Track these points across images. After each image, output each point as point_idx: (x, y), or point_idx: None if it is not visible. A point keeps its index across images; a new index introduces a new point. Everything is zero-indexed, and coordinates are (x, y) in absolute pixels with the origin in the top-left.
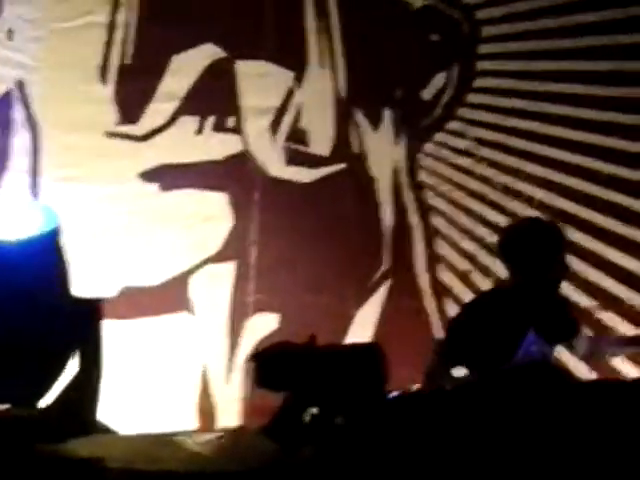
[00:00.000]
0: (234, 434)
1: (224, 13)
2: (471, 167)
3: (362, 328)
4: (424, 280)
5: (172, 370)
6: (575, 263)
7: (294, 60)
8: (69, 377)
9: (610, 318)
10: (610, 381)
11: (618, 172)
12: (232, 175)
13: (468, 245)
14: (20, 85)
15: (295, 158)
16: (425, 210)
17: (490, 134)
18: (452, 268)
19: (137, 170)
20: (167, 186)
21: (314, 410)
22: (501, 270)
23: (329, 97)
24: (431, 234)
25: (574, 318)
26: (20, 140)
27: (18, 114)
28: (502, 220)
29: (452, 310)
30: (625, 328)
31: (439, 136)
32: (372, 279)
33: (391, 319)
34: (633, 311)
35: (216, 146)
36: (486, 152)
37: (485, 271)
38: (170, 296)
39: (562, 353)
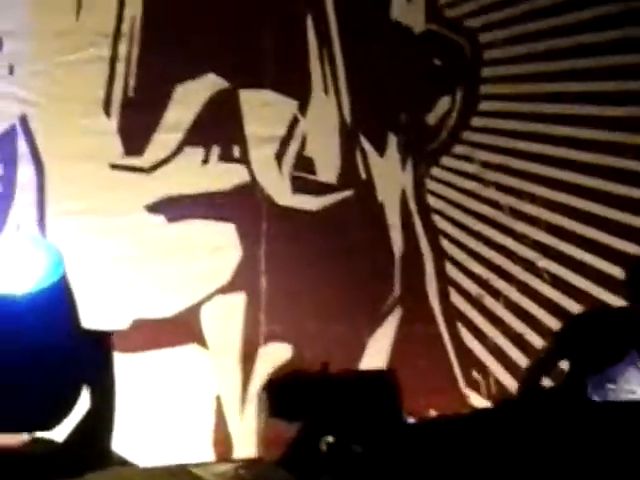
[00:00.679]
0: (251, 465)
1: (225, 43)
2: (478, 190)
3: (375, 356)
4: (436, 305)
5: (186, 402)
6: (582, 282)
7: (297, 88)
8: (83, 409)
9: None
10: None
11: (625, 192)
12: (239, 205)
13: (478, 268)
14: (23, 119)
15: (302, 186)
16: (434, 234)
17: (496, 157)
18: (463, 292)
19: (143, 202)
20: (174, 217)
21: (330, 439)
22: (512, 294)
23: (334, 124)
24: (441, 258)
25: None
26: (25, 174)
27: (22, 148)
28: (510, 242)
29: (465, 335)
30: None
31: (445, 160)
32: (383, 306)
33: (404, 346)
34: None
35: (222, 176)
36: (492, 175)
37: (496, 294)
38: (181, 328)
39: None
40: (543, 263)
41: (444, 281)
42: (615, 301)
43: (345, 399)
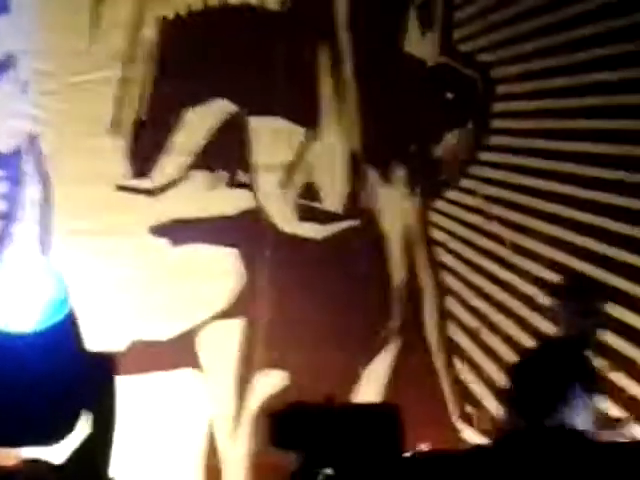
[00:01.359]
0: None
1: (237, 69)
2: (482, 224)
3: (371, 385)
4: (434, 337)
5: (178, 426)
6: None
7: (306, 116)
8: (83, 432)
9: (620, 378)
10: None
11: (629, 232)
12: (243, 231)
13: (478, 302)
14: (32, 138)
15: (307, 214)
16: (436, 267)
17: (501, 192)
18: (461, 325)
19: (148, 224)
20: (178, 241)
21: (328, 471)
22: (510, 328)
23: (341, 153)
24: (441, 291)
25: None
26: (31, 192)
27: (29, 166)
28: (511, 277)
29: (461, 368)
30: (636, 389)
31: (450, 193)
32: (382, 336)
33: (400, 376)
34: None
35: (228, 201)
36: (497, 210)
37: (495, 328)
38: (178, 351)
39: None
40: (543, 299)
41: (443, 314)
42: (615, 340)
43: (346, 432)
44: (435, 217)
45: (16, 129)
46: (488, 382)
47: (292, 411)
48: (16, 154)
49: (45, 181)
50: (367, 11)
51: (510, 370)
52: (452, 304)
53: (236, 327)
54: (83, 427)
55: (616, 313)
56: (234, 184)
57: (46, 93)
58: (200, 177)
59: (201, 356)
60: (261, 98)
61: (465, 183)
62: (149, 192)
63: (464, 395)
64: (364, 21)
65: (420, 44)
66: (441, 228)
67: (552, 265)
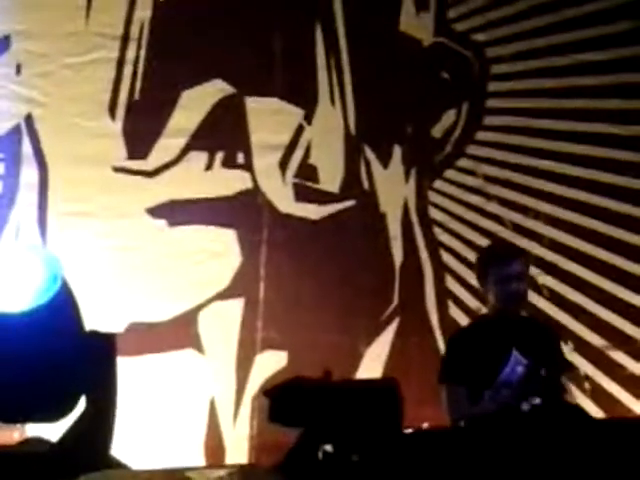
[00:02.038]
0: (246, 470)
1: (234, 49)
2: (481, 205)
3: (372, 365)
4: (434, 317)
5: (180, 407)
6: (585, 301)
7: (304, 97)
8: (82, 410)
9: (621, 357)
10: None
11: (629, 210)
12: (241, 211)
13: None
14: (29, 120)
15: (304, 195)
16: (435, 247)
17: (500, 172)
18: (462, 305)
19: (145, 205)
20: (175, 222)
21: (328, 447)
22: None
23: (339, 134)
24: (441, 271)
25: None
26: (28, 174)
27: (26, 148)
28: None
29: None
30: (635, 367)
31: (449, 173)
32: (382, 316)
33: (401, 356)
34: None
35: (225, 182)
36: (496, 190)
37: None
38: (178, 332)
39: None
40: (543, 279)
41: (443, 293)
42: (615, 318)
43: (346, 408)
44: (434, 197)
45: (11, 110)
46: None
47: (291, 387)
48: (12, 136)
49: (42, 163)
50: None
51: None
52: (452, 284)
53: (236, 308)
54: (83, 405)
55: (616, 291)
56: (231, 165)
57: (41, 75)
58: (197, 158)
59: (202, 337)
60: (258, 79)
61: (463, 163)
62: (146, 173)
63: None
64: (360, 2)
65: (415, 24)
66: (440, 208)
67: (552, 245)
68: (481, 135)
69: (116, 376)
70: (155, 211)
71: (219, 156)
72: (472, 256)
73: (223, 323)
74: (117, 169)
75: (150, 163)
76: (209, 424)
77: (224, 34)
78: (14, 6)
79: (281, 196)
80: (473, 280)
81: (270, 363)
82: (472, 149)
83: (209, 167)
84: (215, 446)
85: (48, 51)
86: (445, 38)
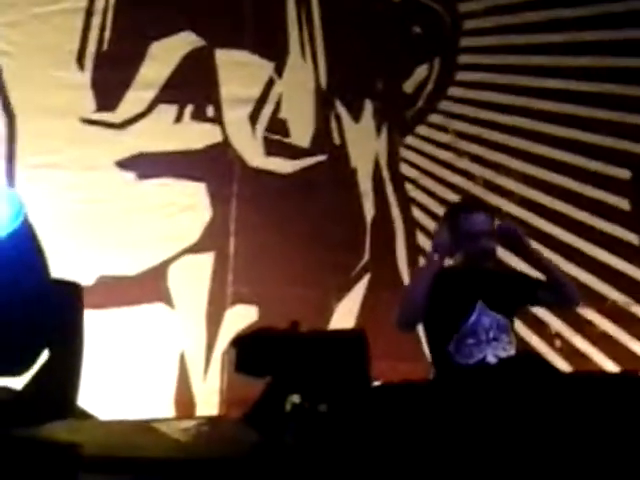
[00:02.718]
0: (214, 422)
1: (204, 2)
2: (452, 161)
3: (343, 320)
4: (405, 272)
5: (150, 360)
6: (555, 258)
7: (275, 50)
8: (47, 358)
9: (591, 315)
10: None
11: (599, 168)
12: (211, 165)
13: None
14: None
15: (275, 149)
16: (406, 202)
17: (471, 128)
18: None
19: (114, 158)
20: (144, 174)
21: (295, 398)
22: None
23: (309, 88)
24: (412, 227)
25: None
26: None
27: None
28: None
29: None
30: (606, 325)
31: (421, 129)
32: (353, 271)
33: (372, 311)
34: (613, 307)
35: (195, 135)
36: (467, 146)
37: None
38: (148, 286)
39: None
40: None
41: (414, 249)
42: (585, 277)
43: (313, 358)
44: (405, 153)
45: None
46: None
47: (257, 337)
48: None
49: (10, 114)
50: None
51: None
52: (423, 240)
53: (206, 262)
54: (47, 354)
55: (586, 249)
56: (201, 118)
57: (8, 24)
58: (166, 111)
59: (172, 291)
60: (229, 32)
61: (435, 119)
62: (115, 125)
63: None
64: None
65: None
66: (411, 164)
67: (522, 201)
68: (453, 91)
69: (82, 326)
70: (124, 164)
71: (189, 109)
72: (443, 212)
73: (193, 277)
74: (85, 121)
75: (119, 115)
76: (179, 378)
77: None
78: None
79: (251, 150)
80: None
81: (240, 317)
82: (444, 105)
83: (178, 120)
84: (185, 400)
85: (16, 1)
86: None
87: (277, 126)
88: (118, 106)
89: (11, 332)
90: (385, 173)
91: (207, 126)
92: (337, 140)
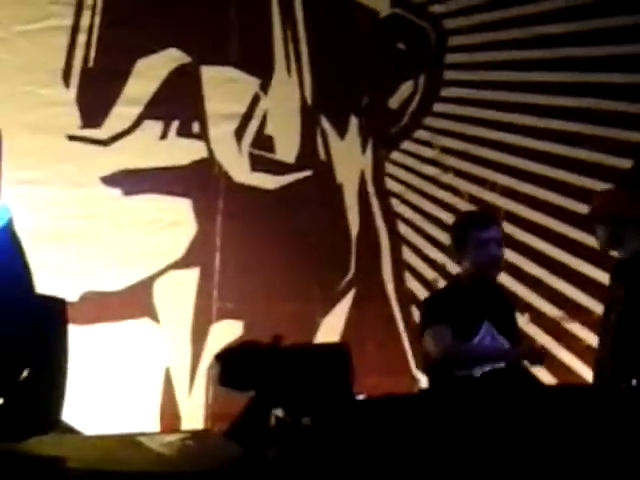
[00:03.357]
0: (198, 436)
1: (189, 18)
2: (437, 176)
3: (328, 335)
4: (390, 288)
5: (135, 376)
6: (541, 273)
7: (260, 66)
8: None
9: (576, 328)
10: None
11: (585, 183)
12: (196, 181)
13: (434, 253)
14: None
15: (260, 164)
16: (391, 218)
17: (456, 143)
18: (418, 276)
19: (99, 174)
20: (130, 191)
21: (279, 411)
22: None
23: (295, 104)
24: (397, 241)
25: None
26: None
27: None
28: None
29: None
30: (591, 338)
31: (406, 144)
32: (338, 286)
33: (357, 326)
34: (599, 320)
35: (180, 151)
36: (452, 161)
37: (451, 279)
38: (133, 302)
39: None
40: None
41: (399, 264)
42: (571, 290)
43: (297, 372)
44: (391, 168)
45: None
46: None
47: (241, 351)
48: None
49: None
50: None
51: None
52: (408, 255)
53: (191, 277)
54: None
55: (571, 263)
56: (186, 134)
57: None
58: (152, 127)
59: (157, 306)
60: (214, 48)
61: (420, 134)
62: (100, 142)
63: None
64: None
65: None
66: (397, 179)
67: (508, 216)
68: (438, 107)
69: (66, 341)
70: (109, 180)
71: (174, 125)
72: (428, 227)
73: (178, 292)
74: (71, 137)
75: (105, 132)
76: (164, 393)
77: (180, 2)
78: None
79: (237, 166)
80: (429, 251)
81: (226, 333)
82: (429, 121)
83: (164, 136)
84: (170, 415)
85: (1, 18)
86: (402, 9)
87: (263, 142)
88: (104, 123)
89: None
90: (370, 188)
91: (193, 142)
92: (323, 156)
